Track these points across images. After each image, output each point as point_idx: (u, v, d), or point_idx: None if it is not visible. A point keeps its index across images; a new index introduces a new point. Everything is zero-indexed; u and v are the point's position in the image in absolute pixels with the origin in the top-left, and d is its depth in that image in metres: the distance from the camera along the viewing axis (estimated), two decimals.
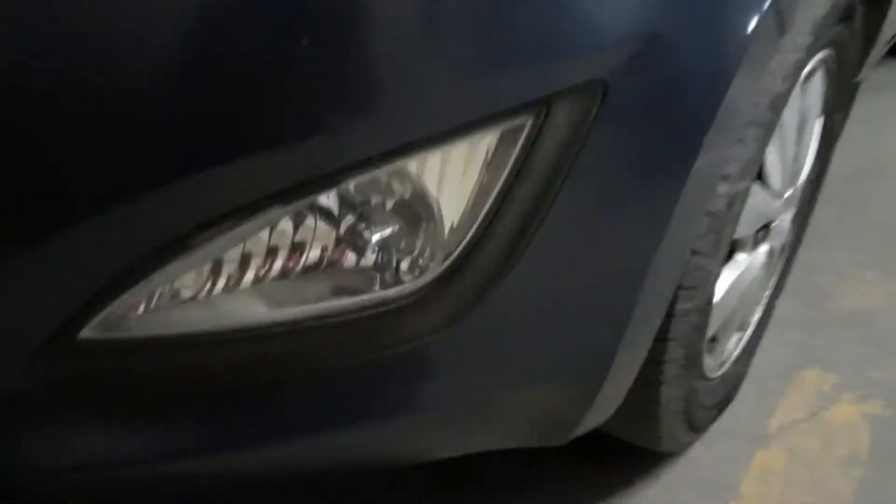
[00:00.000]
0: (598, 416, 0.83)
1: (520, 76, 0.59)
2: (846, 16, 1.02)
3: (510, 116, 0.61)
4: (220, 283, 0.63)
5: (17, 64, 0.51)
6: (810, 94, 1.06)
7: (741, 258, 1.04)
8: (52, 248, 0.55)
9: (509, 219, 0.63)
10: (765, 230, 1.08)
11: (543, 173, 0.62)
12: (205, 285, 0.62)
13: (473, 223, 0.63)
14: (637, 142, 0.66)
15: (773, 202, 1.05)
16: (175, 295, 0.62)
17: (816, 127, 1.15)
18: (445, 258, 0.65)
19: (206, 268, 0.62)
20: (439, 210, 0.63)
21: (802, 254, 1.44)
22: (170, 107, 0.54)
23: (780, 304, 1.39)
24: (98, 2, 0.53)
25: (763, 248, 1.09)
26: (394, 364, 0.66)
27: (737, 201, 0.83)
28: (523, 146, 0.62)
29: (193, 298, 0.62)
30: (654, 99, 0.65)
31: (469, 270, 0.64)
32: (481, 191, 0.63)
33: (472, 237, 0.64)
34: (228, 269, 0.62)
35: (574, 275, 0.68)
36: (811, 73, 1.03)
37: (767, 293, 1.24)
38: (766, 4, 0.68)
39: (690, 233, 0.76)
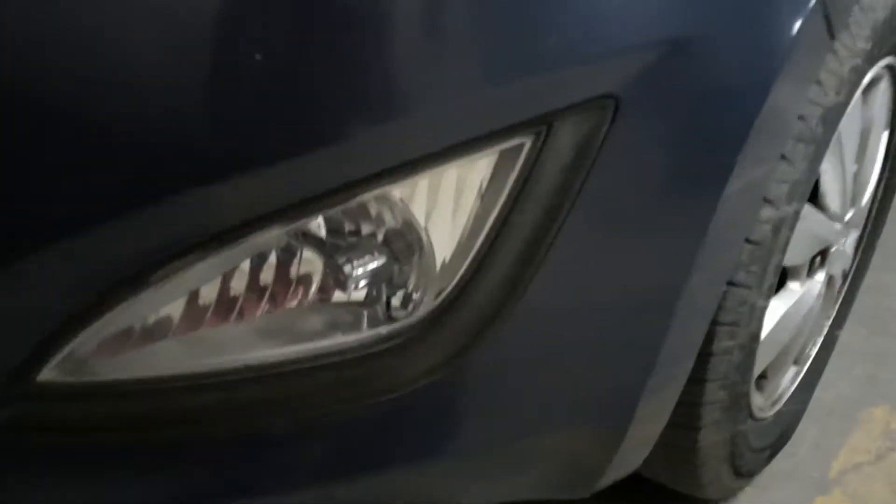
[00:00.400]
0: (625, 464, 0.75)
1: (514, 92, 0.52)
2: None
3: (506, 137, 0.54)
4: (196, 319, 0.58)
5: None
6: (873, 105, 0.96)
7: (794, 287, 0.94)
8: (2, 282, 0.51)
9: (508, 251, 0.57)
10: (822, 256, 0.98)
11: (545, 200, 0.56)
12: (178, 322, 0.57)
13: (468, 256, 0.57)
14: (657, 164, 0.58)
15: (830, 226, 0.96)
16: (145, 333, 0.57)
17: (882, 141, 1.05)
18: (438, 294, 0.58)
19: (181, 302, 0.57)
20: (429, 241, 0.58)
21: (871, 278, 1.33)
22: (142, 127, 0.50)
23: (846, 333, 1.28)
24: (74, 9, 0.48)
25: (820, 276, 0.99)
26: (389, 410, 0.61)
27: (784, 227, 0.75)
28: (521, 170, 0.55)
29: (165, 337, 0.58)
30: (676, 115, 0.57)
31: (465, 308, 0.58)
32: (476, 219, 0.57)
33: (467, 271, 0.57)
34: (205, 303, 0.57)
35: (587, 312, 0.61)
36: (874, 83, 0.93)
37: (828, 323, 1.14)
38: (811, 7, 0.60)
39: (727, 263, 0.68)
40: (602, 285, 0.61)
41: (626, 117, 0.55)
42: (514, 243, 0.57)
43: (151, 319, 0.56)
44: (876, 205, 1.14)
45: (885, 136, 1.06)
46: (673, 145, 0.58)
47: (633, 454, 0.75)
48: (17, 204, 0.50)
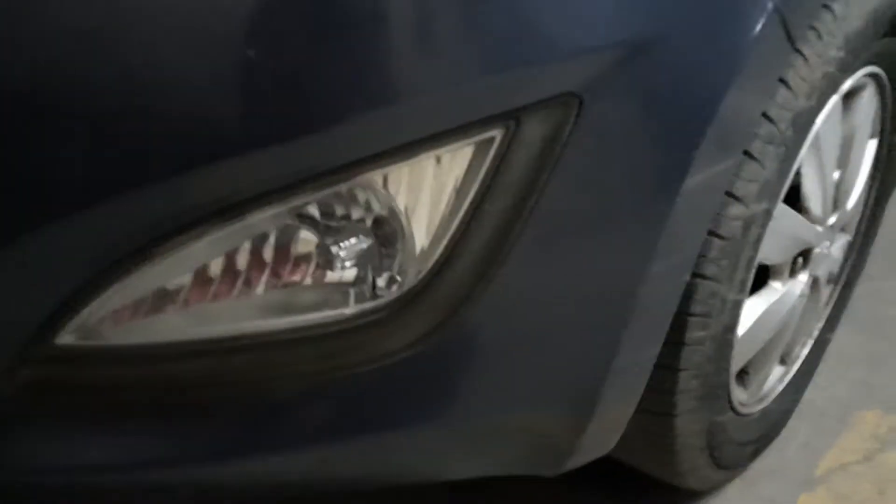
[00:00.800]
0: (596, 446, 0.79)
1: (485, 87, 0.57)
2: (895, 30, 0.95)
3: (478, 130, 0.59)
4: (201, 292, 0.63)
5: None
6: (857, 113, 0.99)
7: (776, 286, 0.97)
8: (23, 250, 0.56)
9: (480, 237, 0.62)
10: (804, 257, 1.01)
11: (515, 190, 0.61)
12: (184, 294, 0.63)
13: (442, 241, 0.62)
14: (619, 158, 0.63)
15: (811, 228, 0.99)
16: (152, 304, 0.63)
17: (869, 149, 1.08)
18: (417, 274, 0.64)
19: (187, 276, 0.62)
20: (409, 227, 0.62)
21: (870, 285, 1.35)
22: (144, 105, 0.54)
23: (844, 337, 1.30)
24: None
25: (803, 277, 1.02)
26: (371, 380, 0.66)
27: (754, 224, 0.78)
28: (492, 162, 0.60)
29: (171, 307, 0.63)
30: (637, 112, 0.62)
31: (440, 288, 0.63)
32: (451, 209, 0.62)
33: (441, 255, 0.62)
34: (210, 278, 0.63)
35: (553, 296, 0.66)
36: (856, 91, 0.96)
37: (818, 325, 1.16)
38: (767, 13, 0.65)
39: (688, 255, 0.72)
40: (567, 271, 0.65)
41: (588, 114, 0.59)
42: (485, 231, 0.61)
43: (159, 291, 0.62)
44: (867, 211, 1.16)
45: (872, 143, 1.08)
46: (633, 141, 0.63)
47: (603, 436, 0.79)
48: (34, 177, 0.55)
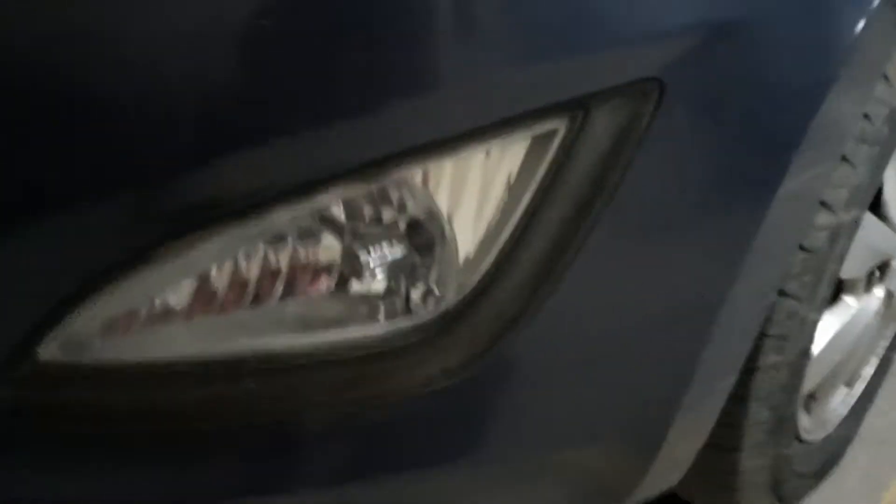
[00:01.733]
0: (656, 485, 0.70)
1: (549, 72, 0.48)
2: None
3: (538, 120, 0.50)
4: (205, 302, 0.55)
5: None
6: None
7: (850, 302, 0.88)
8: (7, 250, 0.49)
9: (536, 247, 0.53)
10: (881, 270, 0.91)
11: (580, 192, 0.52)
12: (186, 305, 0.55)
13: (492, 250, 0.53)
14: (704, 158, 0.54)
15: (892, 238, 0.89)
16: (150, 315, 0.54)
17: None
18: (460, 289, 0.55)
19: (189, 284, 0.54)
20: (452, 233, 0.54)
21: None
22: (160, 95, 0.47)
23: None
24: None
25: (878, 292, 0.93)
26: (404, 412, 0.57)
27: (841, 235, 0.69)
28: (554, 159, 0.51)
29: (173, 320, 0.55)
30: (727, 106, 0.53)
31: (487, 306, 0.54)
32: (503, 212, 0.53)
33: (492, 267, 0.54)
34: (215, 286, 0.54)
35: (620, 317, 0.57)
36: None
37: (884, 344, 1.07)
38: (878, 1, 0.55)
39: (776, 272, 0.63)
40: (636, 289, 0.56)
41: (670, 105, 0.50)
42: (543, 239, 0.53)
43: (159, 300, 0.54)
44: None
45: None
46: (722, 139, 0.53)
47: (665, 474, 0.70)
48: (21, 175, 0.48)
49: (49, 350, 0.53)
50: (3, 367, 0.53)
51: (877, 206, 0.86)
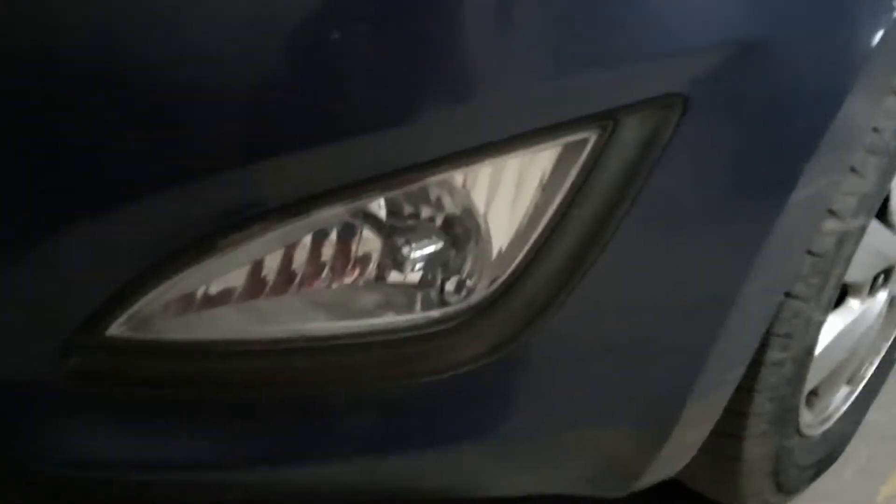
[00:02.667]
0: (665, 468, 0.74)
1: (583, 84, 0.52)
2: None
3: (571, 130, 0.54)
4: (257, 288, 0.59)
5: (51, 46, 0.50)
6: None
7: (854, 305, 0.92)
8: (83, 235, 0.53)
9: (565, 244, 0.57)
10: (886, 275, 0.95)
11: (607, 195, 0.56)
12: (240, 290, 0.59)
13: (524, 245, 0.57)
14: (722, 167, 0.58)
15: None
16: (208, 298, 0.59)
17: None
18: (492, 281, 0.59)
19: (244, 271, 0.58)
20: (487, 228, 0.58)
21: None
22: (217, 96, 0.51)
23: None
24: None
25: (882, 296, 0.96)
26: (437, 390, 0.61)
27: (848, 241, 0.73)
28: (585, 164, 0.55)
29: (227, 303, 0.59)
30: (745, 118, 0.56)
31: (517, 297, 0.58)
32: (535, 210, 0.57)
33: (522, 261, 0.58)
34: (266, 274, 0.59)
35: (640, 310, 0.61)
36: None
37: (886, 345, 1.10)
38: (894, 17, 0.59)
39: (785, 273, 0.66)
40: (655, 285, 0.60)
41: (693, 117, 0.54)
42: (571, 237, 0.57)
43: (215, 285, 0.58)
44: None
45: None
46: (740, 149, 0.57)
47: (674, 458, 0.74)
48: (97, 163, 0.52)
49: (117, 326, 0.58)
50: (76, 336, 0.57)
51: (884, 214, 0.89)
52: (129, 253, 0.55)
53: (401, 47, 0.50)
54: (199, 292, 0.58)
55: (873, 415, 1.17)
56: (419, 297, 0.61)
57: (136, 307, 0.57)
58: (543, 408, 0.64)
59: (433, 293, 0.62)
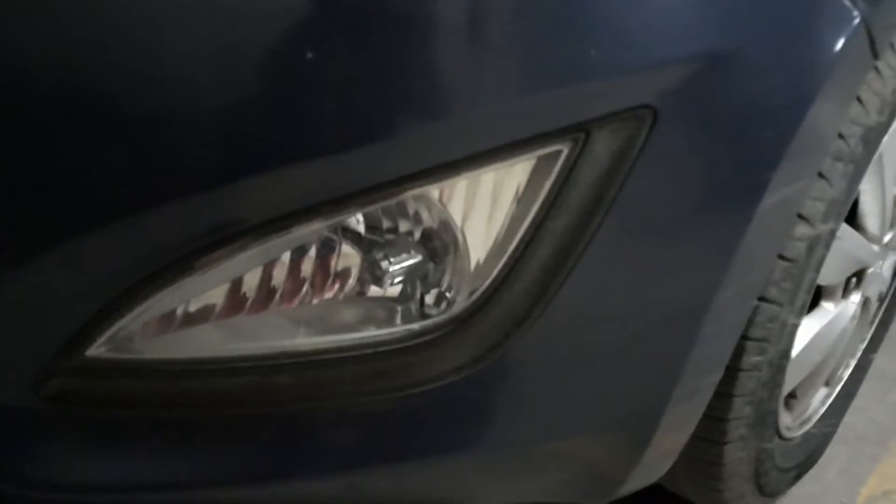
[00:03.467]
0: (647, 474, 0.75)
1: (555, 99, 0.53)
2: None
3: (544, 143, 0.55)
4: (237, 306, 0.60)
5: (25, 65, 0.50)
6: None
7: (828, 307, 0.93)
8: (60, 257, 0.53)
9: (541, 255, 0.58)
10: (858, 277, 0.97)
11: (581, 207, 0.57)
12: (220, 308, 0.59)
13: (501, 257, 0.58)
14: (693, 176, 0.59)
15: (868, 247, 0.95)
16: (187, 316, 0.59)
17: None
18: (471, 294, 0.60)
19: (223, 289, 0.59)
20: (464, 241, 0.59)
21: None
22: (192, 117, 0.51)
23: (883, 358, 1.26)
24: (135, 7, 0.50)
25: (855, 298, 0.98)
26: (418, 403, 0.62)
27: (819, 246, 0.74)
28: (558, 176, 0.56)
29: (207, 321, 0.60)
30: (713, 129, 0.58)
31: (495, 309, 0.59)
32: (511, 223, 0.58)
33: (500, 272, 0.58)
34: (246, 291, 0.59)
35: (617, 319, 0.62)
36: None
37: (862, 346, 1.12)
38: (854, 25, 0.60)
39: (758, 279, 0.68)
40: (631, 294, 0.61)
41: (662, 128, 0.55)
42: (547, 248, 0.58)
43: (194, 304, 0.58)
44: None
45: None
46: (708, 159, 0.59)
47: (655, 464, 0.75)
48: (73, 186, 0.52)
49: (96, 347, 0.58)
50: (54, 360, 0.57)
51: (853, 218, 0.91)
52: (108, 274, 0.55)
53: (375, 64, 0.51)
54: (179, 311, 0.58)
55: (851, 417, 1.18)
56: (399, 310, 0.62)
57: (115, 328, 0.57)
58: (524, 418, 0.64)
59: (413, 306, 0.62)
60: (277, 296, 0.60)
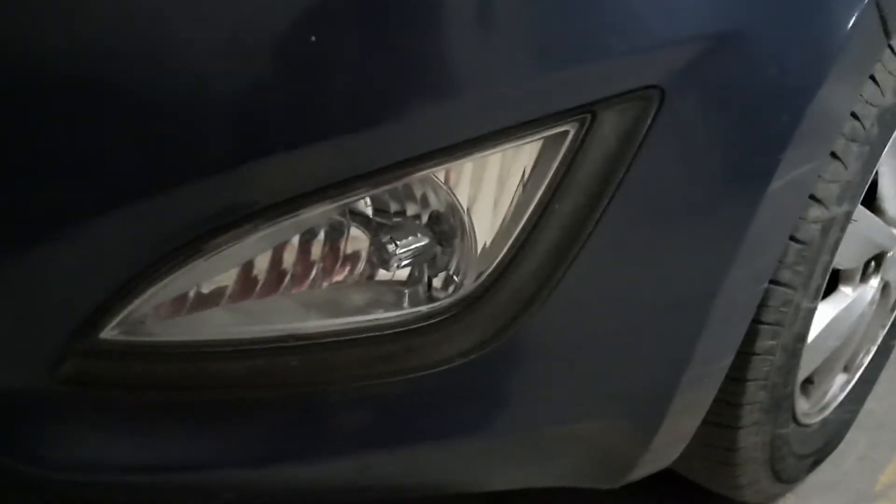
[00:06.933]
0: (658, 459, 0.75)
1: (561, 79, 0.53)
2: None
3: (551, 124, 0.55)
4: (248, 289, 0.60)
5: (37, 52, 0.50)
6: None
7: (846, 292, 0.92)
8: (71, 241, 0.54)
9: (548, 238, 0.57)
10: (876, 262, 0.95)
11: (588, 188, 0.56)
12: (231, 291, 0.60)
13: (508, 241, 0.58)
14: (700, 157, 0.58)
15: (886, 231, 0.93)
16: (199, 299, 0.60)
17: None
18: (478, 276, 0.60)
19: (234, 272, 0.59)
20: (471, 225, 0.59)
21: None
22: (202, 99, 0.51)
23: None
24: None
25: (874, 282, 0.96)
26: (427, 386, 0.62)
27: (833, 228, 0.74)
28: (564, 157, 0.56)
29: (218, 304, 0.60)
30: (722, 109, 0.57)
31: (502, 291, 0.59)
32: (518, 205, 0.58)
33: (506, 256, 0.58)
34: (257, 274, 0.60)
35: (624, 302, 0.62)
36: None
37: (882, 332, 1.11)
38: (865, 2, 0.59)
39: (769, 261, 0.67)
40: (639, 277, 0.61)
41: (670, 109, 0.55)
42: (554, 230, 0.58)
43: (205, 287, 0.59)
44: None
45: None
46: (717, 139, 0.58)
47: (666, 449, 0.75)
48: (83, 168, 0.52)
49: (109, 330, 0.59)
50: (69, 343, 0.58)
51: (872, 201, 0.90)
52: (119, 257, 0.56)
53: (382, 46, 0.51)
54: (191, 294, 0.59)
55: (871, 403, 1.17)
56: (407, 293, 0.62)
57: (128, 310, 0.58)
58: (533, 402, 0.64)
59: (421, 289, 0.62)
60: (287, 279, 0.60)
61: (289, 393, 0.62)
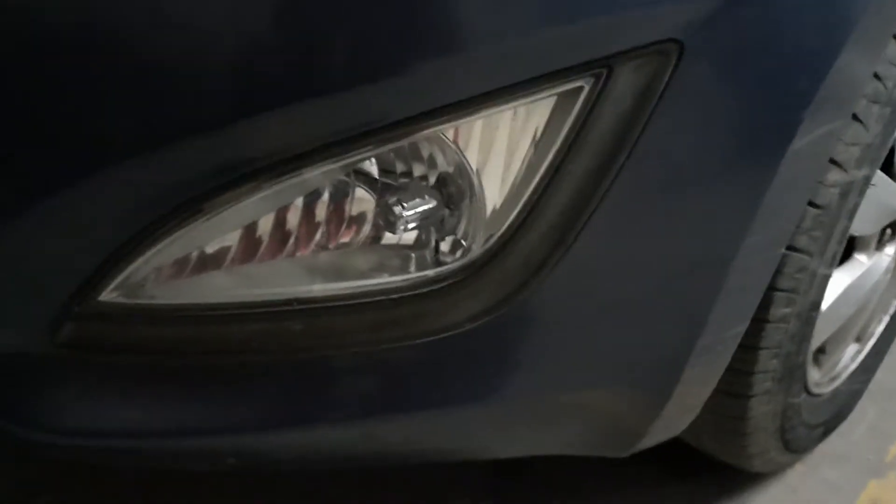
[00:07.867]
0: (668, 428, 0.74)
1: (576, 32, 0.51)
2: None
3: (564, 79, 0.53)
4: (250, 252, 0.59)
5: (30, 9, 0.49)
6: None
7: (861, 259, 0.90)
8: (69, 201, 0.53)
9: (559, 200, 0.56)
10: (893, 229, 0.93)
11: (602, 148, 0.54)
12: (233, 253, 0.59)
13: (518, 203, 0.56)
14: (719, 116, 0.56)
15: None
16: (200, 262, 0.58)
17: None
18: (487, 240, 0.58)
19: (236, 234, 0.58)
20: (480, 186, 0.57)
21: None
22: (198, 52, 0.50)
23: None
24: None
25: (889, 250, 0.95)
26: (434, 352, 0.61)
27: (852, 192, 0.72)
28: (578, 116, 0.54)
29: (220, 267, 0.59)
30: (742, 66, 0.55)
31: (512, 255, 0.57)
32: (529, 166, 0.56)
33: (517, 219, 0.57)
34: (260, 236, 0.58)
35: (638, 267, 0.60)
36: None
37: None
38: None
39: (786, 227, 0.65)
40: (653, 242, 0.59)
41: (689, 65, 0.53)
42: (566, 193, 0.56)
43: (207, 249, 0.57)
44: None
45: None
46: (736, 98, 0.56)
47: (677, 417, 0.73)
48: (81, 124, 0.51)
49: (109, 292, 0.57)
50: (68, 305, 0.57)
51: (890, 167, 0.88)
52: (117, 217, 0.54)
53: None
54: (193, 256, 0.58)
55: (881, 374, 1.16)
56: (414, 257, 0.61)
57: (127, 272, 0.57)
58: (542, 368, 0.63)
59: (428, 253, 0.61)
60: (291, 241, 0.59)
61: (293, 357, 0.61)
